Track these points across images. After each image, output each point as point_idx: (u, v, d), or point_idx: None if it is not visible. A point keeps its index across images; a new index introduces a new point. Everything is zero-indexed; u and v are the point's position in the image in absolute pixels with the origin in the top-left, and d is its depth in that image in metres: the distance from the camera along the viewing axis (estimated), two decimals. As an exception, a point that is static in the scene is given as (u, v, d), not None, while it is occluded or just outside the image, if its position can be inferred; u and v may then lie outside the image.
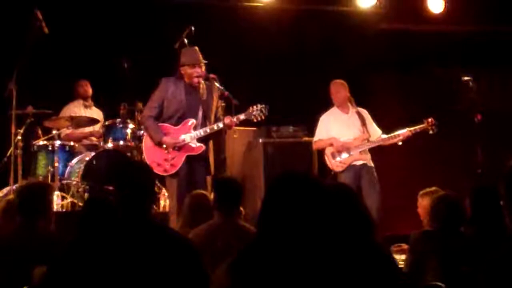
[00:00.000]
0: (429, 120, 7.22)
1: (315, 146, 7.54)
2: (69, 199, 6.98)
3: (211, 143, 6.46)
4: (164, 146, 6.33)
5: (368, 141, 7.27)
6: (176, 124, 6.39)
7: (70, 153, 7.46)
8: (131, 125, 7.66)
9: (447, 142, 8.55)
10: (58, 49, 7.98)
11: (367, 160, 7.26)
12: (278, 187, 2.52)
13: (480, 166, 7.06)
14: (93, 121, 7.76)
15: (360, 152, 7.24)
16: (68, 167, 7.33)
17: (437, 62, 9.45)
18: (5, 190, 6.83)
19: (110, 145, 7.53)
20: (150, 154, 6.41)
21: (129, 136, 7.62)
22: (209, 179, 6.36)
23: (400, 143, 7.29)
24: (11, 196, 4.94)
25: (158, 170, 6.32)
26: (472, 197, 4.21)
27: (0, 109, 7.07)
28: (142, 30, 8.44)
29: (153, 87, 6.57)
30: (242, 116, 6.35)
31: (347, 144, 7.23)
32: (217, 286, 3.25)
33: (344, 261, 2.47)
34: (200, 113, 6.40)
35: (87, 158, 7.25)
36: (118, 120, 7.67)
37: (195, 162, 6.34)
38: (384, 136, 7.31)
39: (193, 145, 6.33)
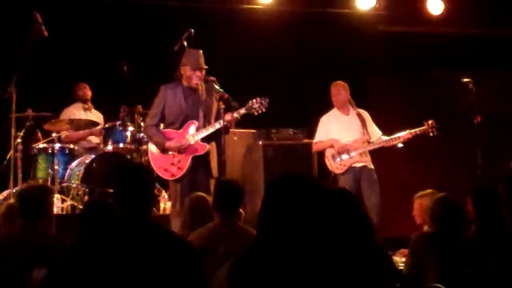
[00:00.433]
0: (430, 122, 7.21)
1: (315, 148, 7.53)
2: (69, 202, 6.98)
3: (212, 146, 6.46)
4: (170, 152, 6.35)
5: (369, 143, 7.27)
6: (179, 128, 6.40)
7: (70, 156, 7.46)
8: (131, 128, 7.66)
9: (447, 144, 8.56)
10: (58, 52, 7.98)
11: (367, 162, 7.25)
12: (277, 189, 2.52)
13: (479, 168, 7.07)
14: (92, 124, 7.76)
15: (360, 154, 7.23)
16: (68, 170, 7.33)
17: (436, 64, 9.46)
18: (5, 193, 6.84)
19: (110, 147, 7.53)
20: (156, 161, 6.42)
21: (129, 139, 7.62)
22: (212, 182, 6.35)
23: (400, 145, 7.29)
24: (11, 201, 4.95)
25: (166, 176, 6.35)
26: (474, 199, 4.21)
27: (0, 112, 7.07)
28: (141, 33, 8.45)
29: (153, 90, 6.58)
30: (242, 111, 6.34)
31: (347, 146, 7.23)
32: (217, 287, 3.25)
33: (344, 263, 2.47)
34: (201, 114, 6.41)
35: (87, 161, 7.25)
36: (118, 122, 7.68)
37: (198, 166, 6.35)
38: (385, 138, 7.31)
39: (197, 146, 6.34)
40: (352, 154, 7.21)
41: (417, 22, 9.12)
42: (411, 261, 4.34)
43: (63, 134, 7.68)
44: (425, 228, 5.23)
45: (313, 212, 2.43)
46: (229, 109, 6.40)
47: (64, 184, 7.22)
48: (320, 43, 9.03)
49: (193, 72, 6.36)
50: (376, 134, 7.35)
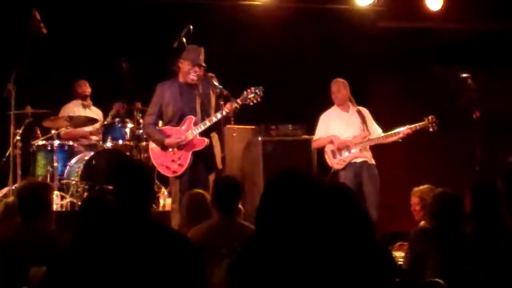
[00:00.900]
0: (430, 117, 7.22)
1: (315, 145, 7.53)
2: (69, 199, 6.99)
3: (215, 139, 6.47)
4: (170, 149, 6.35)
5: (368, 139, 7.27)
6: (177, 124, 6.41)
7: (69, 153, 7.46)
8: (130, 125, 7.66)
9: (446, 140, 8.55)
10: (57, 50, 7.98)
11: (368, 157, 7.25)
12: (276, 185, 2.52)
13: (478, 163, 7.07)
14: (92, 121, 7.77)
15: (360, 149, 7.24)
16: (67, 167, 7.33)
17: (435, 59, 9.45)
18: (4, 190, 6.84)
19: (109, 144, 7.53)
20: (157, 158, 6.43)
21: (128, 136, 7.62)
22: (211, 177, 6.36)
23: (400, 140, 7.30)
24: (10, 198, 4.95)
25: (167, 173, 6.36)
26: (473, 194, 4.21)
27: (-1, 110, 7.07)
28: (140, 30, 8.44)
29: (152, 86, 6.58)
30: (238, 101, 6.33)
31: (347, 142, 7.23)
32: (216, 284, 3.26)
33: (343, 259, 2.48)
34: (198, 109, 6.41)
35: (86, 158, 7.25)
36: (117, 119, 7.68)
37: (199, 162, 6.36)
38: (384, 134, 7.32)
39: (196, 141, 6.34)
40: (352, 150, 7.22)
41: (416, 18, 9.11)
42: (411, 256, 4.34)
43: (63, 131, 7.68)
44: (422, 223, 5.24)
45: (312, 208, 2.43)
46: (228, 105, 6.40)
47: (64, 181, 7.23)
48: (319, 39, 9.03)
49: (192, 68, 6.36)
50: (376, 131, 7.36)
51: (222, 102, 6.37)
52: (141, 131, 7.45)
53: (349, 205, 3.29)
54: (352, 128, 7.32)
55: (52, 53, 7.90)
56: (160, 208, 7.23)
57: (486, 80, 8.99)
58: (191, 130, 6.35)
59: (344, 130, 7.32)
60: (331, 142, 7.28)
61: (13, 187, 6.50)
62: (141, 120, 7.42)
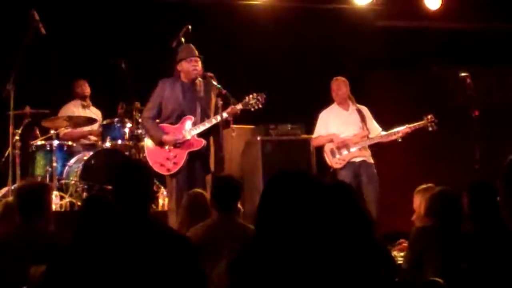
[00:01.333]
0: (429, 117, 7.22)
1: (314, 143, 7.54)
2: (68, 199, 6.98)
3: (211, 141, 6.47)
4: (166, 147, 6.35)
5: (368, 138, 7.28)
6: (175, 123, 6.41)
7: (68, 153, 7.46)
8: (129, 124, 7.65)
9: (445, 139, 8.56)
10: (56, 50, 7.97)
11: (367, 156, 7.26)
12: (276, 184, 2.52)
13: (478, 162, 7.07)
14: (91, 121, 7.76)
15: (360, 148, 7.24)
16: (67, 167, 7.33)
17: (434, 59, 9.45)
18: (4, 190, 6.84)
19: (108, 144, 7.52)
20: (152, 155, 6.43)
21: (127, 135, 7.61)
22: (209, 177, 6.37)
23: (399, 140, 7.30)
24: (9, 198, 4.95)
25: (161, 170, 6.35)
26: (470, 193, 4.21)
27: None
28: (139, 30, 8.44)
29: (151, 86, 6.58)
30: (239, 106, 6.35)
31: (347, 141, 7.24)
32: (216, 284, 3.26)
33: (343, 258, 2.48)
34: (198, 110, 6.42)
35: (85, 158, 7.24)
36: (116, 119, 7.67)
37: (195, 161, 6.36)
38: (384, 133, 7.32)
39: (193, 141, 6.34)
40: (352, 149, 7.22)
41: (414, 17, 9.12)
42: (410, 255, 4.34)
43: (62, 131, 7.68)
44: (417, 223, 5.21)
45: (312, 207, 2.43)
46: (227, 105, 6.41)
47: (63, 181, 7.22)
48: (318, 38, 9.04)
49: (190, 63, 6.38)
50: (376, 130, 7.36)
51: (221, 102, 6.36)
52: (140, 131, 7.44)
53: (349, 204, 3.29)
54: (352, 126, 7.33)
55: (51, 53, 7.89)
56: (159, 208, 7.23)
57: (485, 79, 9.00)
58: (189, 130, 6.35)
59: (344, 129, 7.32)
60: (331, 141, 7.29)
61: (12, 187, 6.49)
62: (140, 120, 7.41)
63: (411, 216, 5.62)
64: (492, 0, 8.98)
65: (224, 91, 6.37)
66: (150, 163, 6.33)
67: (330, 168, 7.27)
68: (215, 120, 6.32)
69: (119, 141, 7.56)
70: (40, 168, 7.29)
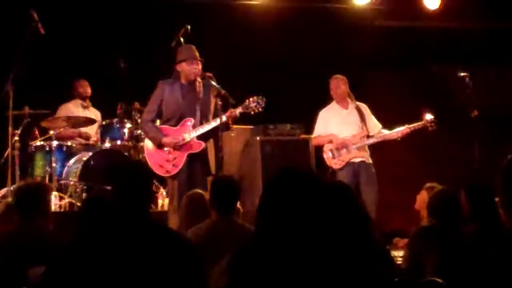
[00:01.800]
0: (429, 117, 7.23)
1: (314, 142, 7.54)
2: (67, 199, 6.98)
3: (210, 143, 6.46)
4: (166, 149, 6.35)
5: (367, 137, 7.28)
6: (175, 125, 6.41)
7: (68, 153, 7.45)
8: (128, 125, 7.65)
9: (444, 138, 8.56)
10: (54, 50, 7.97)
11: (365, 157, 7.26)
12: (276, 184, 2.52)
13: (477, 162, 7.07)
14: (90, 122, 7.74)
15: (359, 149, 7.24)
16: (66, 167, 7.32)
17: (433, 58, 9.46)
18: (3, 191, 6.83)
19: (107, 145, 7.53)
20: (152, 157, 6.43)
21: (126, 136, 7.61)
22: (209, 179, 6.35)
23: (398, 139, 7.31)
24: (8, 199, 4.95)
25: (161, 172, 6.36)
26: (469, 193, 4.21)
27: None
28: (138, 30, 8.44)
29: (150, 86, 6.58)
30: (239, 110, 6.35)
31: (346, 142, 7.24)
32: (215, 285, 3.25)
33: (342, 257, 2.48)
34: (198, 112, 6.41)
35: (84, 158, 7.24)
36: (115, 120, 7.67)
37: (195, 163, 6.36)
38: (383, 132, 7.32)
39: (193, 143, 6.34)
40: (351, 149, 7.22)
41: (413, 17, 9.12)
42: (409, 254, 4.35)
43: (56, 130, 7.65)
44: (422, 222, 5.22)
45: (312, 206, 2.43)
46: (226, 105, 6.40)
47: (62, 182, 7.22)
48: (317, 38, 9.03)
49: (191, 65, 6.37)
50: (376, 127, 7.37)
51: (220, 102, 6.36)
52: (139, 131, 7.44)
53: (349, 203, 3.29)
54: (351, 125, 7.33)
55: (49, 53, 7.89)
56: (159, 208, 7.23)
57: (484, 78, 9.00)
58: (189, 132, 6.34)
59: (343, 128, 7.32)
60: (331, 141, 7.29)
61: (12, 188, 6.49)
62: (139, 120, 7.41)
63: (410, 215, 5.62)
64: (492, 0, 8.98)
65: (223, 92, 6.36)
66: (150, 164, 6.33)
67: (329, 169, 7.28)
68: (214, 122, 6.31)
69: (119, 142, 7.57)
70: (39, 168, 7.29)
